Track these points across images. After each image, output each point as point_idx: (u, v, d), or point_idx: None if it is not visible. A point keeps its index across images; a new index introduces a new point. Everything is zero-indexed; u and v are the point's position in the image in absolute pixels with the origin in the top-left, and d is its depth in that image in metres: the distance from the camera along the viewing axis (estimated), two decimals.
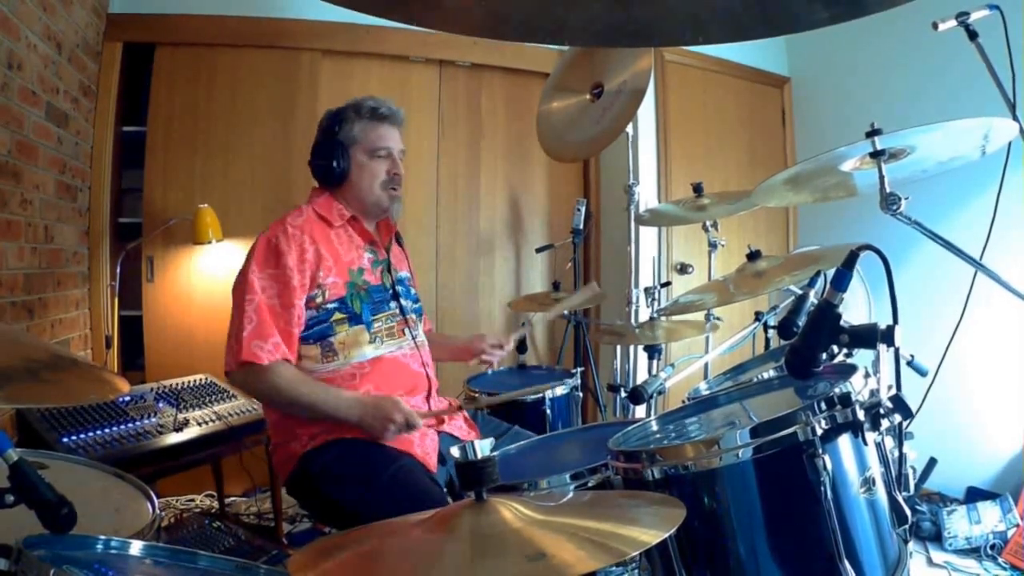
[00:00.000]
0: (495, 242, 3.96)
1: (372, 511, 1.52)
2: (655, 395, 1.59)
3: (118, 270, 3.09)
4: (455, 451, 0.99)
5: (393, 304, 1.95)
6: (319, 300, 1.81)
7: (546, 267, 4.01)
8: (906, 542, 1.16)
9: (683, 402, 1.56)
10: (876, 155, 1.41)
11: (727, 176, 3.97)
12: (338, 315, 1.83)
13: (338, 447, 1.75)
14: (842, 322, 1.20)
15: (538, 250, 3.74)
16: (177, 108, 3.30)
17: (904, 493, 1.17)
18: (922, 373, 1.65)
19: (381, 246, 2.00)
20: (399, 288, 2.00)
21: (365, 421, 1.72)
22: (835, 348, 1.24)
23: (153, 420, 2.29)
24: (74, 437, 2.05)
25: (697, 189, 2.65)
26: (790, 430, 1.06)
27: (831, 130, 3.88)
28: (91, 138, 3.14)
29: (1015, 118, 1.62)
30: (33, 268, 2.59)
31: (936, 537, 2.78)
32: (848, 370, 1.22)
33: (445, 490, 1.80)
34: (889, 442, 1.19)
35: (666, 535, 0.90)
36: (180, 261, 3.30)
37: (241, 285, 1.78)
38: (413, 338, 1.97)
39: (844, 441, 1.10)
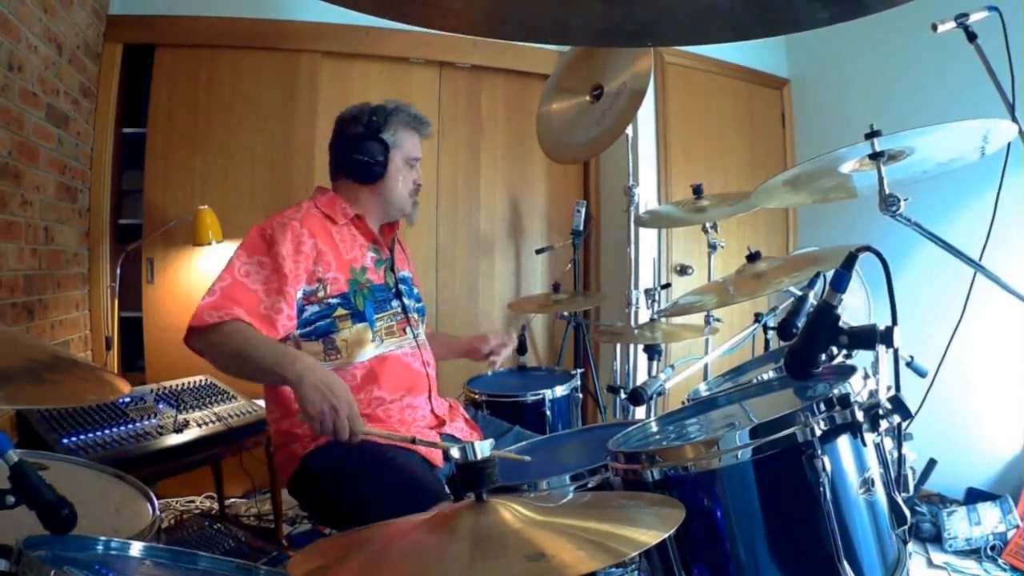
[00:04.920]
0: (495, 243, 3.96)
1: (374, 506, 1.53)
2: (655, 396, 1.59)
3: (118, 271, 3.09)
4: (455, 452, 0.99)
5: (395, 303, 1.95)
6: (320, 295, 1.80)
7: (546, 268, 4.01)
8: (906, 543, 1.16)
9: (683, 403, 1.56)
10: (875, 157, 1.41)
11: (727, 177, 3.98)
12: (341, 311, 1.82)
13: (340, 447, 1.74)
14: (841, 323, 1.20)
15: (538, 251, 3.74)
16: (177, 109, 3.30)
17: (904, 494, 1.17)
18: (921, 374, 1.65)
19: (384, 245, 2.01)
20: (402, 287, 2.00)
21: (304, 383, 1.54)
22: (834, 349, 1.24)
23: (153, 421, 2.29)
24: (74, 438, 2.05)
25: (697, 190, 2.66)
26: (789, 431, 1.06)
27: (831, 132, 3.88)
28: (91, 139, 3.15)
29: (1014, 119, 1.62)
30: (33, 269, 2.59)
31: (936, 538, 2.78)
32: (847, 371, 1.22)
33: (446, 483, 1.80)
34: (888, 443, 1.19)
35: (665, 536, 0.90)
36: (180, 262, 3.30)
37: (231, 259, 1.77)
38: (414, 337, 1.97)
39: (843, 442, 1.10)
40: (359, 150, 1.92)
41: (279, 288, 1.73)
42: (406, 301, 1.99)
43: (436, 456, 1.81)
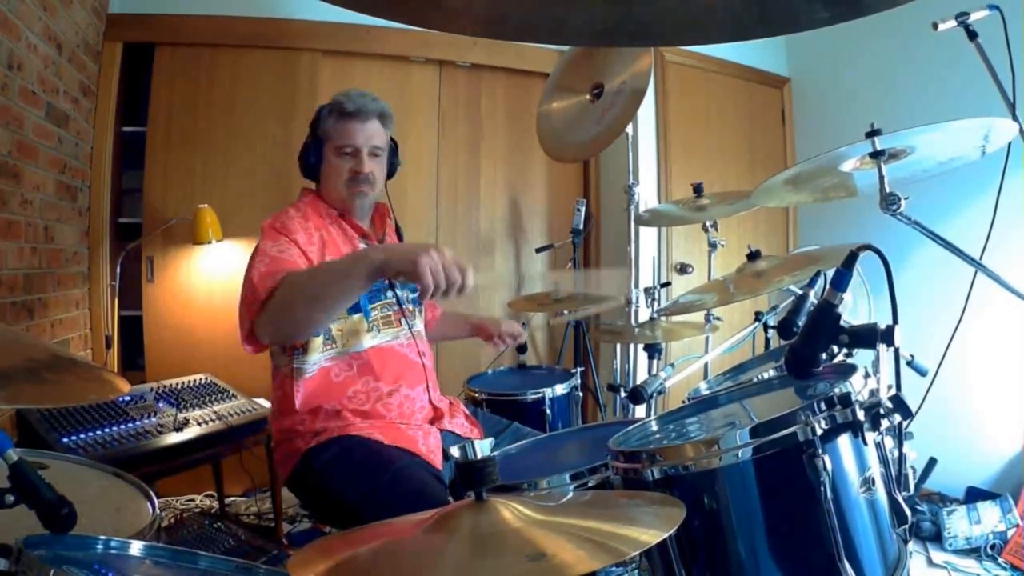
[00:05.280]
0: (495, 242, 3.96)
1: (375, 508, 1.53)
2: (655, 395, 1.59)
3: (118, 270, 3.09)
4: (455, 451, 0.99)
5: (389, 293, 1.95)
6: None
7: (546, 267, 4.00)
8: (906, 542, 1.16)
9: (683, 402, 1.56)
10: (876, 155, 1.41)
11: (727, 176, 3.97)
12: None
13: (341, 444, 1.75)
14: (842, 322, 1.20)
15: (538, 250, 3.74)
16: (177, 108, 3.30)
17: (904, 493, 1.17)
18: (922, 373, 1.65)
19: (374, 238, 2.02)
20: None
21: (394, 256, 1.48)
22: (835, 348, 1.24)
23: (153, 420, 2.29)
24: (74, 437, 2.05)
25: (697, 189, 2.65)
26: (790, 430, 1.06)
27: (831, 130, 3.88)
28: (91, 138, 3.15)
29: (1015, 118, 1.62)
30: (33, 268, 2.59)
31: (936, 537, 2.79)
32: (848, 370, 1.22)
33: (448, 488, 1.80)
34: (889, 442, 1.19)
35: (666, 535, 0.90)
36: (180, 261, 3.30)
37: (253, 257, 1.76)
38: (410, 328, 1.97)
39: (844, 441, 1.10)
40: (301, 150, 1.97)
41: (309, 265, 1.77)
42: (399, 292, 1.99)
43: (436, 458, 1.81)
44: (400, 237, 2.15)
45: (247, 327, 1.69)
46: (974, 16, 1.84)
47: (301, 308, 1.60)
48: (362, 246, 1.95)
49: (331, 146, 1.93)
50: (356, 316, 1.86)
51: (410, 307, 2.03)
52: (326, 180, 1.95)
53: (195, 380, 2.67)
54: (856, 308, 3.00)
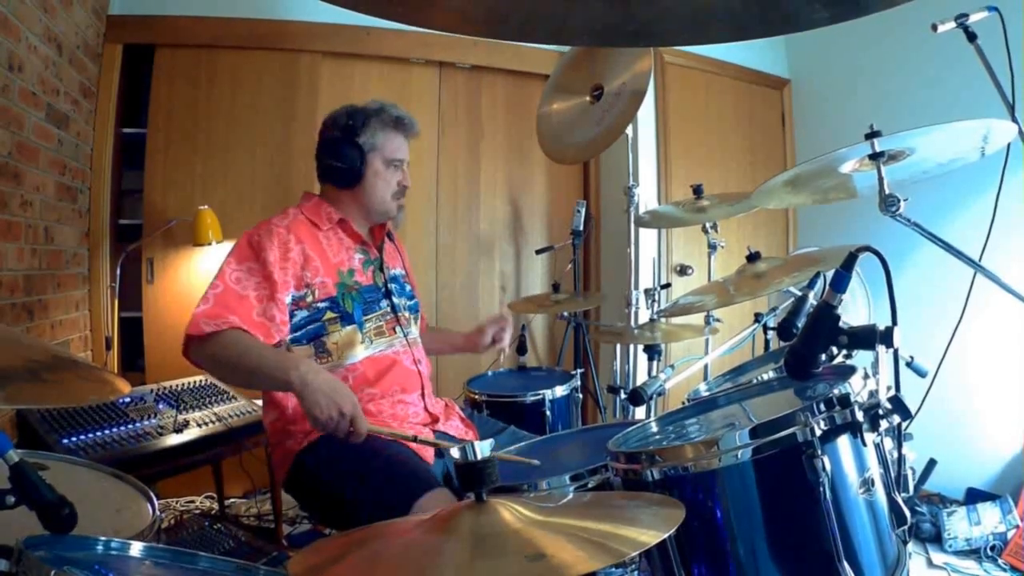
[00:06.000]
0: (495, 243, 3.96)
1: (369, 499, 1.55)
2: (655, 396, 1.59)
3: (118, 271, 3.09)
4: (455, 452, 0.99)
5: (384, 303, 1.95)
6: (309, 299, 1.80)
7: (546, 268, 4.01)
8: (905, 543, 1.16)
9: (683, 403, 1.56)
10: (875, 157, 1.41)
11: (727, 178, 3.98)
12: (330, 314, 1.83)
13: (332, 443, 1.73)
14: (841, 323, 1.20)
15: (538, 252, 3.74)
16: (177, 109, 3.30)
17: (903, 494, 1.17)
18: (922, 374, 1.65)
19: (372, 246, 2.01)
20: (392, 286, 2.00)
21: (309, 388, 1.52)
22: (834, 349, 1.24)
23: (153, 421, 2.29)
24: (74, 438, 2.05)
25: (697, 191, 2.66)
26: (789, 431, 1.06)
27: (831, 132, 3.88)
28: (91, 139, 3.15)
29: (1014, 119, 1.62)
30: (33, 269, 2.59)
31: (936, 538, 2.79)
32: (847, 371, 1.22)
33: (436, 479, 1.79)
34: (888, 443, 1.19)
35: (665, 536, 0.90)
36: (180, 262, 3.30)
37: (224, 261, 1.78)
38: (405, 336, 1.97)
39: (843, 442, 1.10)
40: (335, 155, 1.92)
41: (271, 294, 1.74)
42: (396, 300, 1.98)
43: (428, 453, 1.81)
44: (392, 241, 2.13)
45: (184, 340, 1.73)
46: (973, 17, 1.84)
47: (226, 371, 1.76)
48: (358, 256, 1.94)
49: (381, 156, 1.93)
50: (350, 328, 1.85)
51: (406, 314, 2.02)
52: (370, 189, 1.93)
53: (195, 382, 2.67)
54: (856, 309, 3.00)
